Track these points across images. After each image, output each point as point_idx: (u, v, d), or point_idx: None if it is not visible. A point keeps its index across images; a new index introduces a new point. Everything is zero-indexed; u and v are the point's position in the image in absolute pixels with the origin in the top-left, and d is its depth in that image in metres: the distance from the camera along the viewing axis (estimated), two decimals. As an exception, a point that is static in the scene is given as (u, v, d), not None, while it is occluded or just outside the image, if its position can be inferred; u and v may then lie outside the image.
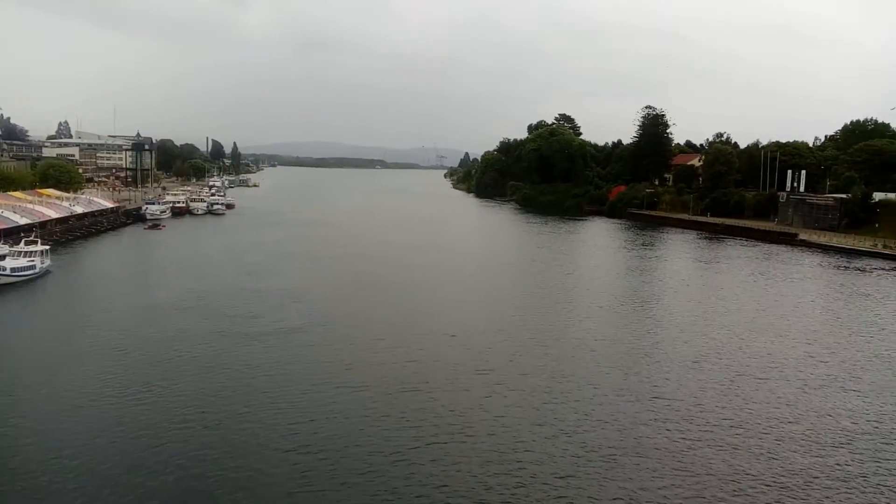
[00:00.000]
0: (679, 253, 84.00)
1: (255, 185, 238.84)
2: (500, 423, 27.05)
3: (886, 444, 25.71)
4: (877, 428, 27.28)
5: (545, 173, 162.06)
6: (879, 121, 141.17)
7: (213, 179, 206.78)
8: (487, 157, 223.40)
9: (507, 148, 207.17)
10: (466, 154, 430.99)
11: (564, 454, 24.31)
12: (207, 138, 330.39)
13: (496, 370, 33.77)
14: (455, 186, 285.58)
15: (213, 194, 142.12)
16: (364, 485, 21.71)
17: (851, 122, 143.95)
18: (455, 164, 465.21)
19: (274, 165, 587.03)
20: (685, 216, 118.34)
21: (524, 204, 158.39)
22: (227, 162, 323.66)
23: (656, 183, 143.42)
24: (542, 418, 27.64)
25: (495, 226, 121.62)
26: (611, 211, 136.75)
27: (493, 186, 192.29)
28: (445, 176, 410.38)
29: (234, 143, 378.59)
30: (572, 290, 58.87)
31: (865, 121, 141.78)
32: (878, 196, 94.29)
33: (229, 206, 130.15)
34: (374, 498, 20.97)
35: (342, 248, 78.55)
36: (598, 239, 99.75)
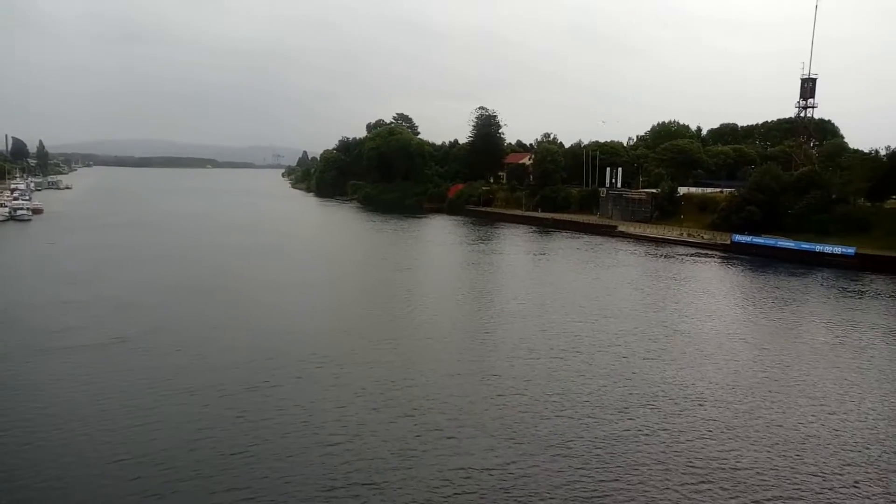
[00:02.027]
0: (514, 246, 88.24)
1: (67, 188, 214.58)
2: (342, 411, 27.61)
3: (683, 404, 29.19)
4: (680, 392, 30.82)
5: (386, 172, 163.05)
6: (681, 122, 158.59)
7: (15, 182, 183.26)
8: (327, 155, 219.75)
9: (346, 147, 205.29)
10: (305, 153, 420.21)
11: (406, 434, 25.47)
12: (7, 136, 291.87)
13: (337, 363, 33.88)
14: (294, 186, 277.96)
15: (16, 198, 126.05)
16: (204, 483, 21.09)
17: (658, 124, 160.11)
18: (293, 163, 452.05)
19: (89, 165, 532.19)
20: (518, 212, 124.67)
21: (366, 203, 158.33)
22: (33, 162, 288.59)
23: (491, 181, 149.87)
24: (382, 404, 28.49)
25: (337, 225, 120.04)
26: (450, 208, 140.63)
27: (333, 185, 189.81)
28: (283, 175, 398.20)
29: (41, 141, 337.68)
30: (414, 284, 59.62)
31: (670, 122, 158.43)
32: (682, 190, 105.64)
33: (36, 211, 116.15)
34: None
35: (170, 252, 73.35)
36: (439, 235, 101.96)
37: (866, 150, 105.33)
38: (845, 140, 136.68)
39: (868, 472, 23.17)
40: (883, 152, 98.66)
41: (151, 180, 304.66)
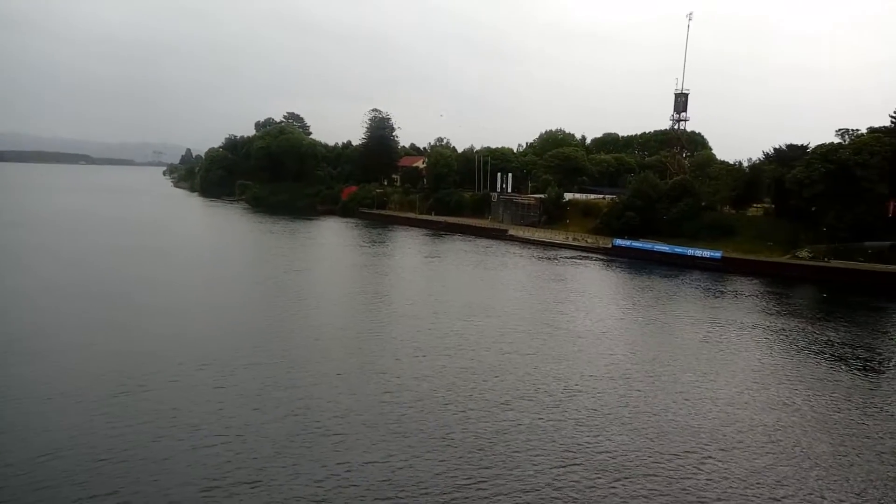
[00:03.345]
0: (407, 249, 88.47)
1: None
2: (222, 413, 27.03)
3: (560, 396, 30.82)
4: (557, 385, 32.38)
5: (276, 172, 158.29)
6: (567, 131, 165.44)
7: None
8: (213, 154, 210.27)
9: (234, 145, 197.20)
10: (188, 150, 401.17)
11: (290, 433, 25.30)
12: None
13: (219, 365, 33.00)
14: (176, 185, 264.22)
15: None
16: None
17: (546, 132, 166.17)
18: (176, 161, 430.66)
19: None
20: (412, 215, 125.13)
21: (255, 204, 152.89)
22: None
23: (385, 183, 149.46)
24: (266, 404, 28.16)
25: (223, 226, 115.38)
26: (343, 210, 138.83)
27: (219, 185, 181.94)
28: (165, 174, 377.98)
29: None
30: (303, 286, 58.67)
31: (556, 131, 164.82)
32: (568, 196, 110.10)
33: None
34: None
35: (39, 254, 67.72)
36: (332, 237, 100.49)
37: (731, 162, 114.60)
38: (713, 152, 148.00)
39: (714, 450, 25.50)
40: (745, 164, 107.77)
41: (10, 176, 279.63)
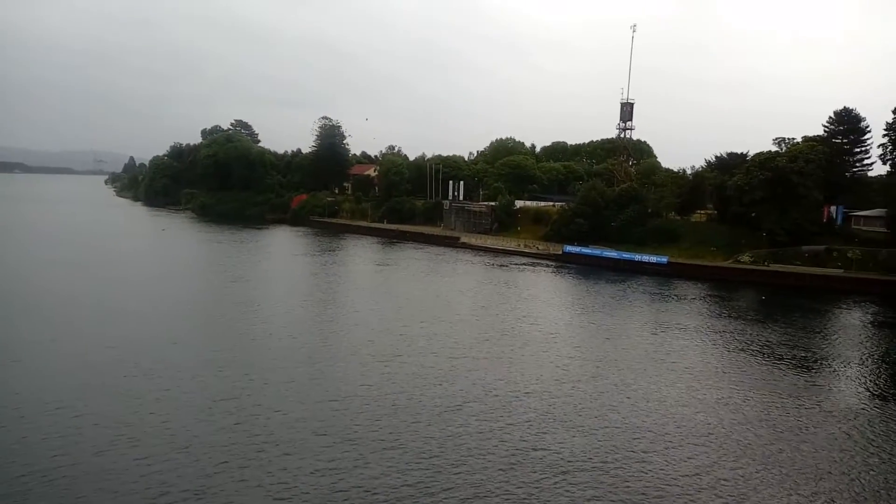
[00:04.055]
0: (359, 257, 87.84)
1: None
2: (167, 424, 26.54)
3: (509, 398, 31.22)
4: (506, 387, 32.82)
5: (223, 180, 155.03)
6: (517, 139, 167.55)
7: None
8: (157, 162, 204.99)
9: (179, 153, 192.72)
10: (132, 159, 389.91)
11: (238, 442, 25.06)
12: None
13: (165, 376, 32.30)
14: (119, 194, 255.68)
15: None
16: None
17: (496, 140, 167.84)
18: (118, 169, 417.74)
19: None
20: (364, 223, 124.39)
21: (202, 212, 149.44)
22: None
23: (336, 191, 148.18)
24: (213, 413, 27.79)
25: (168, 235, 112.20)
26: (294, 219, 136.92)
27: (164, 194, 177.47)
28: (107, 183, 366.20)
29: None
30: (252, 295, 57.43)
31: (507, 139, 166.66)
32: (519, 203, 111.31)
33: None
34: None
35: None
36: (282, 246, 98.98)
37: (675, 170, 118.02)
38: (658, 160, 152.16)
39: (657, 447, 26.27)
40: (689, 172, 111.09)
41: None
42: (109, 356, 35.16)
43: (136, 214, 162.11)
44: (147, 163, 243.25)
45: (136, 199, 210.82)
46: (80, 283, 58.08)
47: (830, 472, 24.68)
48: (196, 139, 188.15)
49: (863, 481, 24.07)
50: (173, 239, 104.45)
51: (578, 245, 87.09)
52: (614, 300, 59.81)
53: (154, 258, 79.32)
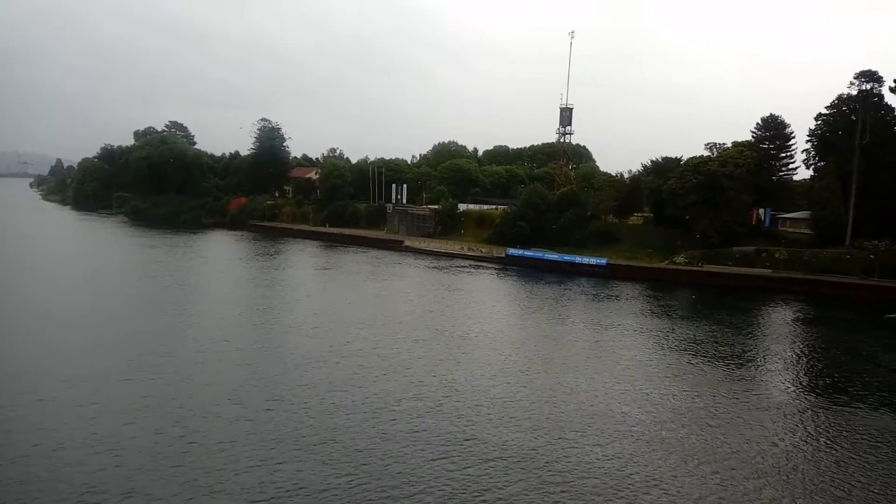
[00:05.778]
0: (300, 261, 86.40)
1: None
2: (94, 429, 25.71)
3: (440, 396, 31.43)
4: (441, 385, 32.84)
5: (158, 184, 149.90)
6: (460, 143, 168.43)
7: None
8: (87, 164, 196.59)
9: (110, 155, 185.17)
10: (59, 161, 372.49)
11: (168, 444, 24.58)
12: None
13: (93, 382, 31.33)
14: (46, 198, 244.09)
15: None
16: None
17: (439, 143, 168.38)
18: (44, 172, 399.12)
19: None
20: (306, 227, 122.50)
21: (135, 217, 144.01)
22: None
23: (277, 195, 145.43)
24: (141, 417, 27.19)
25: (99, 241, 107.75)
26: (232, 223, 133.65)
27: (95, 198, 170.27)
28: (32, 186, 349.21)
29: None
30: (187, 300, 55.82)
31: (449, 143, 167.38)
32: (462, 207, 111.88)
33: None
34: None
35: None
36: (220, 251, 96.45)
37: (613, 174, 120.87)
38: (597, 164, 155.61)
39: (584, 439, 26.96)
40: (626, 175, 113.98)
41: None
42: (33, 363, 33.77)
43: (64, 218, 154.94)
44: (76, 165, 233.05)
45: (64, 202, 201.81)
46: (13, 290, 55.01)
47: (755, 460, 25.56)
48: (128, 140, 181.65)
49: (789, 470, 25.01)
50: (101, 244, 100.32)
51: (521, 248, 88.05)
52: (555, 301, 60.67)
53: (80, 264, 76.04)
